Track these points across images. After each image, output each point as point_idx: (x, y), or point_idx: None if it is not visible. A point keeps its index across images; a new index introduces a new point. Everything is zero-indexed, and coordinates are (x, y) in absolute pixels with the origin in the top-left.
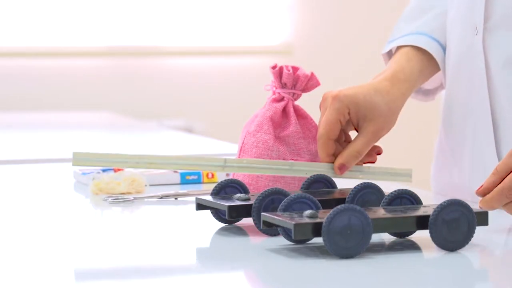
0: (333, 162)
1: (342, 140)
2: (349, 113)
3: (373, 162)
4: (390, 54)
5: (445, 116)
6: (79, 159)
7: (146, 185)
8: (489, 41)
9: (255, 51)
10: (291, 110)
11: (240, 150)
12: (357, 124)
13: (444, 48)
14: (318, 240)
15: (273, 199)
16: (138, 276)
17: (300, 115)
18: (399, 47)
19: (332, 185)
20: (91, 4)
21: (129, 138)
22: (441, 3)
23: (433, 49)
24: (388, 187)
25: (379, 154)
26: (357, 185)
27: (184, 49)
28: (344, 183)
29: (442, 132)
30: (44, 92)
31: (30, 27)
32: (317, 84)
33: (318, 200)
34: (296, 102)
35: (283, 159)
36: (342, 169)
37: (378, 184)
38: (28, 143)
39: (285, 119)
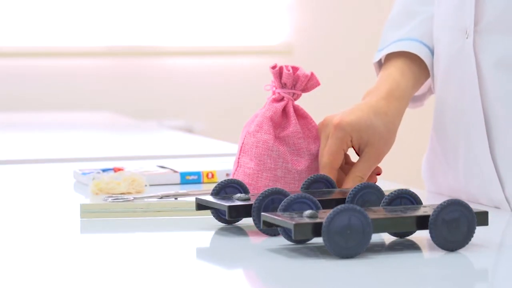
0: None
1: (343, 163)
2: (351, 141)
3: (374, 183)
4: (380, 63)
5: (437, 121)
6: (86, 210)
7: (146, 185)
8: (479, 43)
9: (255, 51)
10: (291, 110)
11: (240, 150)
12: (358, 149)
13: (432, 53)
14: (318, 240)
15: (273, 199)
16: (138, 276)
17: (300, 115)
18: (390, 57)
19: (332, 185)
20: (91, 4)
21: (129, 138)
22: (426, 9)
23: (424, 55)
24: (388, 187)
25: (379, 174)
26: (357, 185)
27: (184, 49)
28: None
29: (434, 136)
30: (44, 92)
31: (30, 27)
32: (317, 84)
33: (318, 200)
34: (296, 102)
35: (283, 159)
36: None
37: (378, 184)
38: (28, 143)
39: (285, 119)
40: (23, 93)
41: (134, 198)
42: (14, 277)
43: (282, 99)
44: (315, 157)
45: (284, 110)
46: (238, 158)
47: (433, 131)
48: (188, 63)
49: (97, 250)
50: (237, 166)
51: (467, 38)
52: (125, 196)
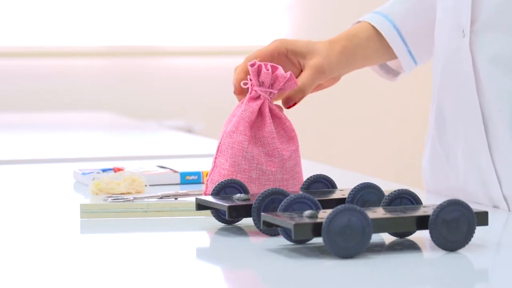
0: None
1: None
2: (287, 52)
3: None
4: None
5: (437, 120)
6: (86, 210)
7: (146, 185)
8: (475, 42)
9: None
10: (267, 109)
11: (218, 150)
12: (299, 64)
13: (395, 28)
14: (318, 240)
15: (273, 199)
16: (138, 276)
17: (275, 114)
18: None
19: (332, 185)
20: (91, 4)
21: (129, 138)
22: None
23: (380, 24)
24: (388, 187)
25: (290, 102)
26: (357, 185)
27: (184, 49)
28: (344, 183)
29: (435, 135)
30: (44, 92)
31: (30, 27)
32: (294, 85)
33: (318, 200)
34: (275, 103)
35: (257, 160)
36: (287, 102)
37: (378, 184)
38: (28, 143)
39: (260, 118)
40: (23, 93)
41: (134, 198)
42: (14, 277)
43: (258, 97)
44: (287, 159)
45: (260, 109)
46: (215, 158)
47: (434, 131)
48: (188, 63)
49: (97, 250)
50: (214, 166)
51: (463, 37)
52: (125, 196)
